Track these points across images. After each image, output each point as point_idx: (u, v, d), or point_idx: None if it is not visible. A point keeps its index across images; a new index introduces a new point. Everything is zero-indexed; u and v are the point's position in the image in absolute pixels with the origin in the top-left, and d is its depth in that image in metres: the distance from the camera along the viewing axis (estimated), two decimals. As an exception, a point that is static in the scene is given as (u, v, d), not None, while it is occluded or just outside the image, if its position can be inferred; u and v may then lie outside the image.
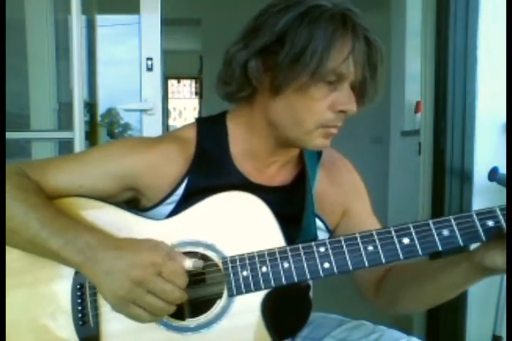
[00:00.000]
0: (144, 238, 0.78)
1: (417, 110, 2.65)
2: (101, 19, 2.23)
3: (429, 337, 1.94)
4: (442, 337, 1.87)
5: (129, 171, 0.86)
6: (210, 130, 0.92)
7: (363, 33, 0.81)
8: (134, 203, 0.91)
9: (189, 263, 0.75)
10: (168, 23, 1.96)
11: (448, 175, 1.83)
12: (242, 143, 0.91)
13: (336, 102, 0.82)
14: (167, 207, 0.87)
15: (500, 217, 0.72)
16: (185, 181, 0.88)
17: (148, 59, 1.88)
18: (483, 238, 0.73)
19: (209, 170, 0.88)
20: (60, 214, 0.79)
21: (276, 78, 0.81)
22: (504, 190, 1.59)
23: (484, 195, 1.70)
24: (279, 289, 0.77)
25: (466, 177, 1.76)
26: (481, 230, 0.72)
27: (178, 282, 0.73)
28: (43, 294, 0.81)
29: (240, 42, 0.84)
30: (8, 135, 1.12)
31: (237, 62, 0.83)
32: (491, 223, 0.72)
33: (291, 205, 0.91)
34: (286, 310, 0.90)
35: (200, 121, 0.95)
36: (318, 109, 0.82)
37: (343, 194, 0.97)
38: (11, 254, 0.81)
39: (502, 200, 0.76)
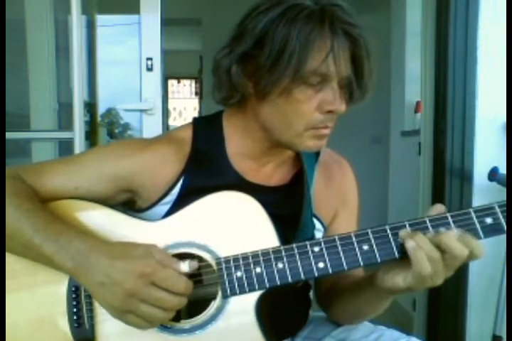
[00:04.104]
0: (136, 242, 0.77)
1: (417, 110, 2.65)
2: (101, 19, 2.23)
3: (429, 337, 1.94)
4: (442, 337, 1.87)
5: (124, 172, 0.86)
6: (206, 130, 0.92)
7: (344, 28, 0.78)
8: (131, 205, 0.91)
9: (185, 266, 0.74)
10: (168, 23, 1.96)
11: (448, 175, 1.83)
12: (238, 143, 0.91)
13: (323, 103, 0.81)
14: (163, 207, 0.87)
15: (499, 213, 0.72)
16: (181, 180, 0.87)
17: (148, 59, 1.88)
18: (481, 235, 0.72)
19: (205, 169, 0.88)
20: (54, 219, 0.79)
21: (259, 83, 0.81)
22: (504, 190, 1.59)
23: (484, 195, 1.70)
24: (276, 289, 0.77)
25: (466, 177, 1.77)
26: (478, 227, 0.72)
27: (175, 288, 0.72)
28: (39, 296, 0.81)
29: (225, 49, 0.84)
30: (8, 135, 1.12)
31: (222, 69, 0.83)
32: (489, 220, 0.72)
33: (288, 205, 0.91)
34: (284, 310, 0.90)
35: (196, 120, 0.95)
36: (305, 111, 0.81)
37: (334, 197, 0.97)
38: (8, 257, 0.81)
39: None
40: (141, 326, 0.73)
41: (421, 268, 0.71)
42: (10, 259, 0.81)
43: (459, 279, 1.77)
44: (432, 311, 1.95)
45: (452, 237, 0.70)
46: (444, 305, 1.86)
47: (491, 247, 1.65)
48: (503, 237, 0.75)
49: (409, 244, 0.71)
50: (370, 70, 0.82)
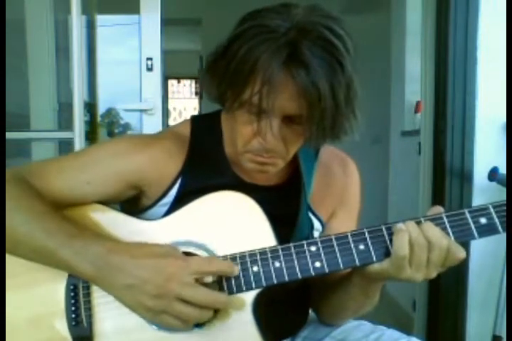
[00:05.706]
0: (147, 241, 0.77)
1: (417, 110, 2.65)
2: (101, 19, 2.23)
3: (429, 337, 1.94)
4: (442, 337, 1.87)
5: (134, 168, 0.86)
6: (205, 128, 0.92)
7: (289, 66, 0.71)
8: (132, 204, 0.90)
9: None
10: (168, 23, 1.96)
11: (448, 175, 1.83)
12: (232, 142, 0.89)
13: (258, 133, 0.78)
14: (161, 209, 0.87)
15: (494, 214, 0.73)
16: (178, 182, 0.87)
17: (148, 59, 1.88)
18: (476, 235, 0.74)
19: (202, 170, 0.88)
20: (66, 221, 0.78)
21: (216, 93, 0.81)
22: (504, 190, 1.59)
23: (484, 195, 1.70)
24: (274, 288, 0.77)
25: (466, 177, 1.76)
26: (473, 227, 0.74)
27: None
28: (38, 295, 0.81)
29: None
30: (8, 135, 1.12)
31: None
32: (483, 220, 0.74)
33: (285, 205, 0.90)
34: (283, 309, 0.90)
35: (194, 119, 0.95)
36: (242, 134, 0.80)
37: (334, 196, 0.96)
38: (8, 257, 0.81)
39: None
40: (176, 326, 0.72)
41: (399, 247, 0.72)
42: (8, 259, 0.81)
43: (459, 279, 1.77)
44: (431, 311, 1.95)
45: (434, 226, 0.73)
46: (444, 305, 1.86)
47: (491, 248, 1.65)
48: (503, 238, 0.75)
49: (398, 225, 0.74)
50: (334, 111, 0.73)
